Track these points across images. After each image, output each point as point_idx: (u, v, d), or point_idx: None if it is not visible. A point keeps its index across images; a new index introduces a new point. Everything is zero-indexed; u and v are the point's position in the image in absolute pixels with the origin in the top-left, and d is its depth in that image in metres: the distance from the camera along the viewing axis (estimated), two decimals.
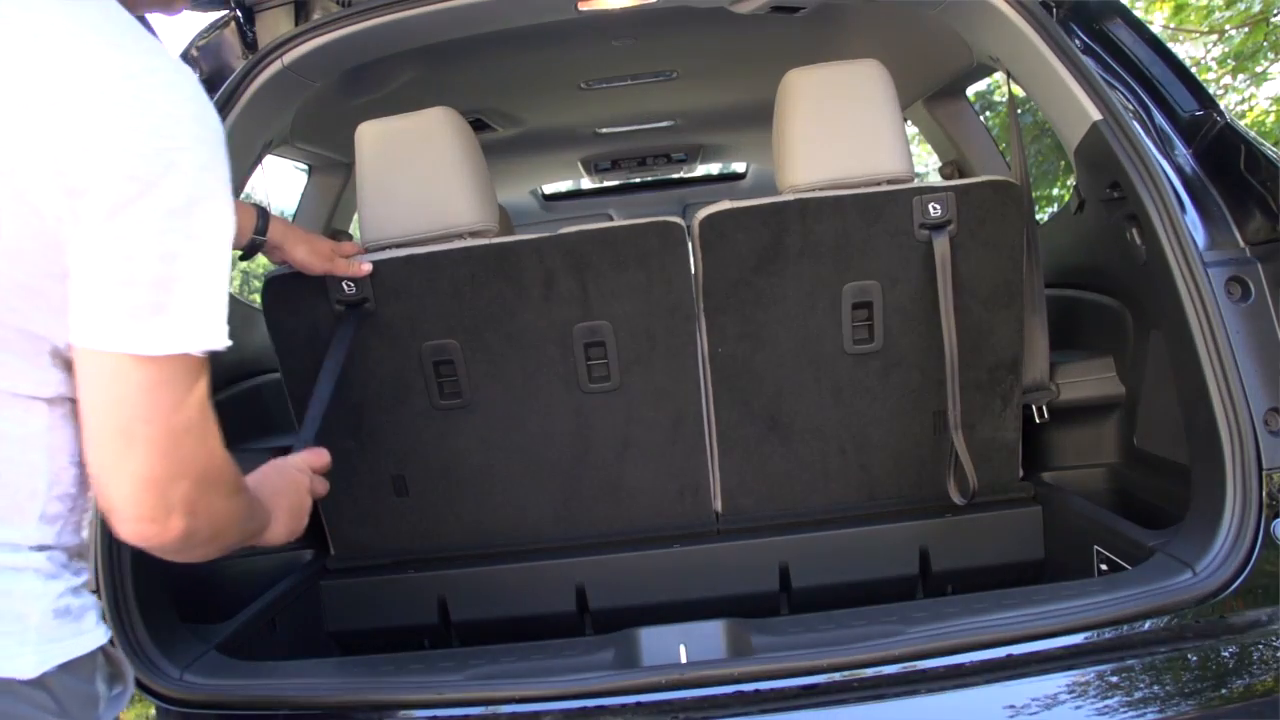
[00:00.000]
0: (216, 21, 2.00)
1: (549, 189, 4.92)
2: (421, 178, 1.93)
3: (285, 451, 2.12)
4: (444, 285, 1.90)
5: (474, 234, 1.97)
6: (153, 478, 0.86)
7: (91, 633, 0.93)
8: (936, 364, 1.93)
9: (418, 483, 2.06)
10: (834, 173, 1.91)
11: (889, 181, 1.92)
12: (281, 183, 3.21)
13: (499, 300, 1.93)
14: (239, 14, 1.98)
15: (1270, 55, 5.99)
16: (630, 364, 1.97)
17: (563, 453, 2.05)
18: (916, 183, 1.93)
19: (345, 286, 1.86)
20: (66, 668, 0.88)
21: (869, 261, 1.91)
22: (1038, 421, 2.07)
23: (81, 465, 0.92)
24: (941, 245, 1.86)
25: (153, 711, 1.41)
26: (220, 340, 0.88)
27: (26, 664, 0.85)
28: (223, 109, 1.86)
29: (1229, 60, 6.15)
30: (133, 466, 0.85)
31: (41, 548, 0.91)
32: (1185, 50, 6.54)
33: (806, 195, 1.88)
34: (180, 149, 0.82)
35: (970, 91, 3.09)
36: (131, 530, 0.89)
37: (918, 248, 1.90)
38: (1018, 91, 2.12)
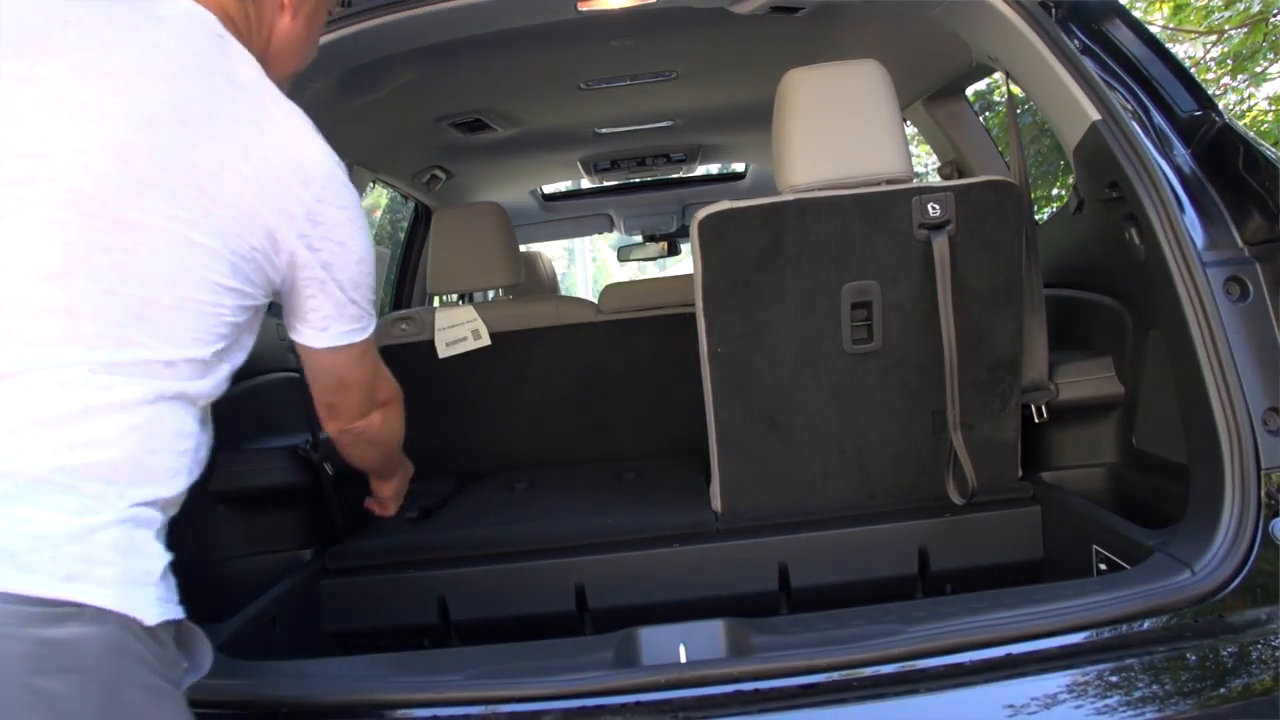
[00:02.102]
0: None
1: (548, 189, 4.92)
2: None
3: (287, 451, 2.14)
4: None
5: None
6: (361, 406, 1.39)
7: (177, 602, 1.02)
8: (935, 363, 1.93)
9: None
10: (833, 173, 1.91)
11: (888, 182, 1.93)
12: None
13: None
14: None
15: (1269, 55, 5.99)
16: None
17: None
18: (915, 183, 1.93)
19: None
20: (168, 627, 0.98)
21: (868, 261, 1.92)
22: (1037, 421, 2.07)
23: (203, 435, 1.14)
24: (940, 245, 1.87)
25: None
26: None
27: (151, 613, 0.96)
28: None
29: (1228, 60, 6.16)
30: (352, 400, 1.37)
31: (164, 510, 1.04)
32: (1184, 50, 6.55)
33: (805, 195, 1.89)
34: (358, 213, 1.19)
35: (970, 91, 3.09)
36: (348, 426, 1.41)
37: (917, 248, 1.90)
38: (1017, 91, 2.12)
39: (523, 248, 3.54)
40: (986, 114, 6.27)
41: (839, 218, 1.89)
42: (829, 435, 2.02)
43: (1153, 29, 1.94)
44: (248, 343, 1.18)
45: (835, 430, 2.02)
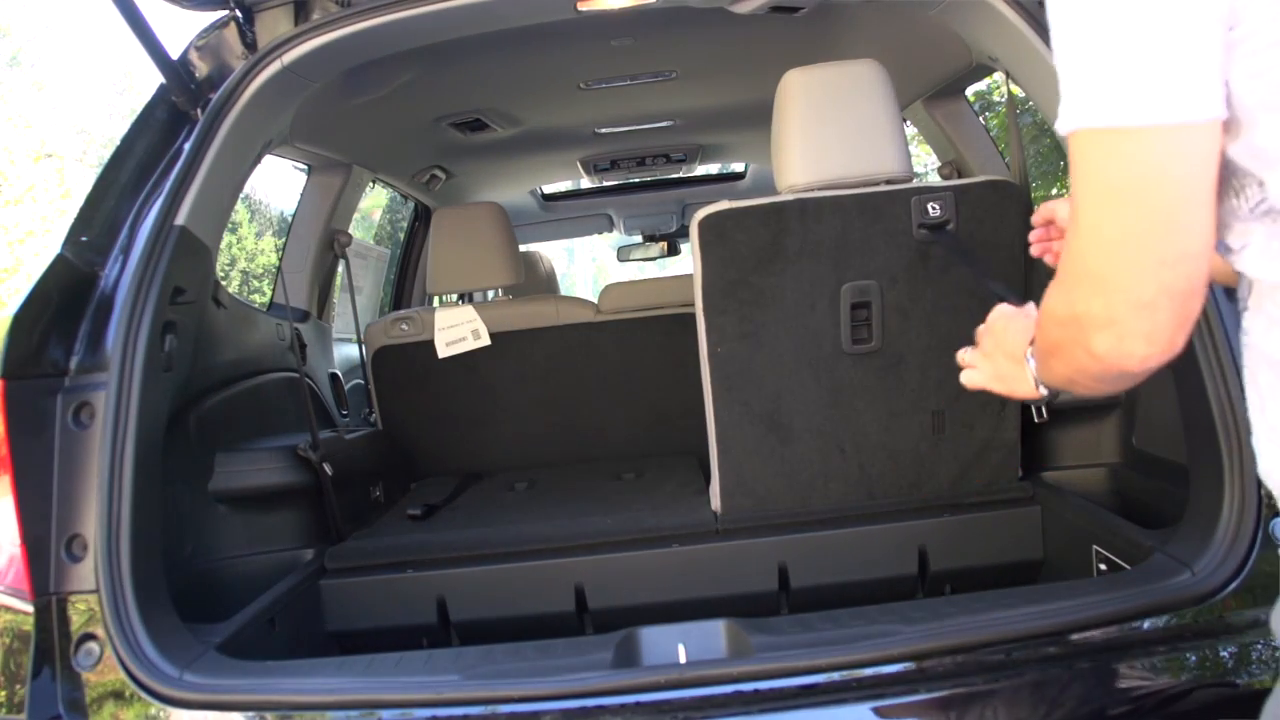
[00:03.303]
0: (216, 21, 2.00)
1: (548, 189, 4.92)
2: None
3: (287, 451, 2.14)
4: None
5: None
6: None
7: None
8: (935, 363, 1.94)
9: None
10: (833, 173, 1.91)
11: (887, 181, 1.93)
12: (281, 183, 3.23)
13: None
14: (239, 14, 1.98)
15: None
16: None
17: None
18: (916, 183, 1.94)
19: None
20: None
21: (868, 261, 1.92)
22: (1037, 421, 2.07)
23: None
24: (940, 245, 1.87)
25: (153, 711, 1.41)
26: (1110, 118, 0.80)
27: None
28: (222, 109, 1.86)
29: None
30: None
31: None
32: None
33: (806, 195, 1.89)
34: None
35: (970, 91, 3.09)
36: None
37: (916, 247, 1.90)
38: (1017, 91, 2.12)
39: (522, 248, 3.54)
40: (986, 114, 6.27)
41: (839, 218, 1.89)
42: (828, 435, 2.03)
43: None
44: None
45: (834, 430, 2.02)
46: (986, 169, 2.86)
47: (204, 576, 1.93)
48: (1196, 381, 1.53)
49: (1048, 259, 1.28)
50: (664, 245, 5.24)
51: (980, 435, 2.02)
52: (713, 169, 5.02)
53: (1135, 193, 0.77)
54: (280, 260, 3.09)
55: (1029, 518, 2.07)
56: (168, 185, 1.77)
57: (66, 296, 1.62)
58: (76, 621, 1.46)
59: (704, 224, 1.92)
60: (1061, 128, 0.84)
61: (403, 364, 2.80)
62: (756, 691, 1.32)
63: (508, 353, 2.80)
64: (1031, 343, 1.08)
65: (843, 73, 1.96)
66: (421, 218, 4.31)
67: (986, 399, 1.99)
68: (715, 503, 2.09)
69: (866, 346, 1.97)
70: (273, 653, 1.74)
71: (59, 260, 1.63)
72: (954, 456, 2.05)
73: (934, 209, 1.87)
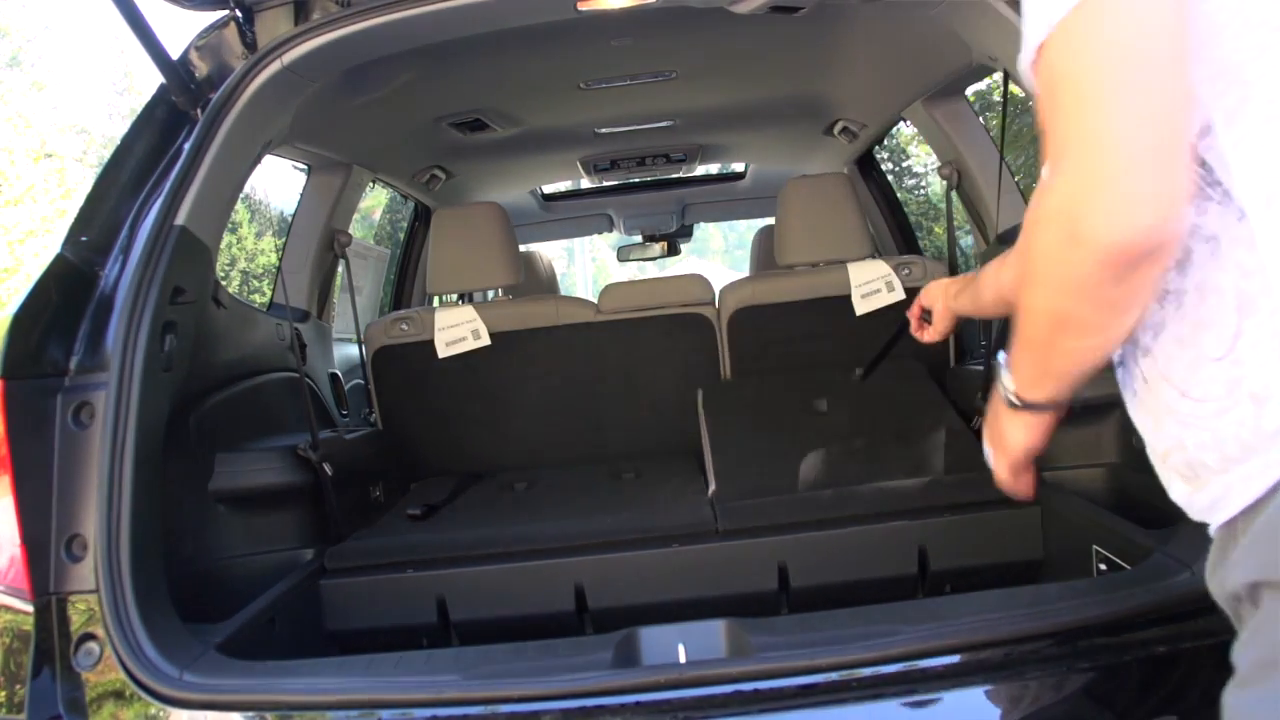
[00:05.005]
0: (216, 21, 2.00)
1: (548, 189, 4.92)
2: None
3: (287, 451, 2.14)
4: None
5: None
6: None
7: None
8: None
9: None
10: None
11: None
12: (281, 183, 3.23)
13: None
14: (239, 14, 1.98)
15: None
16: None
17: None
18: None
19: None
20: None
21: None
22: (974, 427, 2.29)
23: None
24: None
25: (153, 711, 1.41)
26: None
27: None
28: (222, 109, 1.86)
29: None
30: None
31: None
32: None
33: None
34: None
35: (970, 91, 3.09)
36: None
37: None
38: (1016, 91, 2.12)
39: (522, 248, 3.54)
40: (986, 114, 6.26)
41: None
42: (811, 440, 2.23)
43: None
44: None
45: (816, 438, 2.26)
46: (987, 169, 2.86)
47: (204, 576, 1.93)
48: None
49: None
50: (664, 245, 5.24)
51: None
52: (713, 169, 5.01)
53: (1120, 55, 0.77)
54: (280, 260, 3.09)
55: (1029, 518, 2.07)
56: (168, 185, 1.78)
57: (66, 296, 1.62)
58: (76, 621, 1.46)
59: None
60: (1034, 38, 0.82)
61: (403, 364, 2.80)
62: (756, 691, 1.32)
63: (508, 353, 2.80)
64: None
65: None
66: (421, 218, 4.31)
67: (936, 415, 2.36)
68: (711, 481, 2.27)
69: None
70: (272, 653, 1.74)
71: (59, 260, 1.63)
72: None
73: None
